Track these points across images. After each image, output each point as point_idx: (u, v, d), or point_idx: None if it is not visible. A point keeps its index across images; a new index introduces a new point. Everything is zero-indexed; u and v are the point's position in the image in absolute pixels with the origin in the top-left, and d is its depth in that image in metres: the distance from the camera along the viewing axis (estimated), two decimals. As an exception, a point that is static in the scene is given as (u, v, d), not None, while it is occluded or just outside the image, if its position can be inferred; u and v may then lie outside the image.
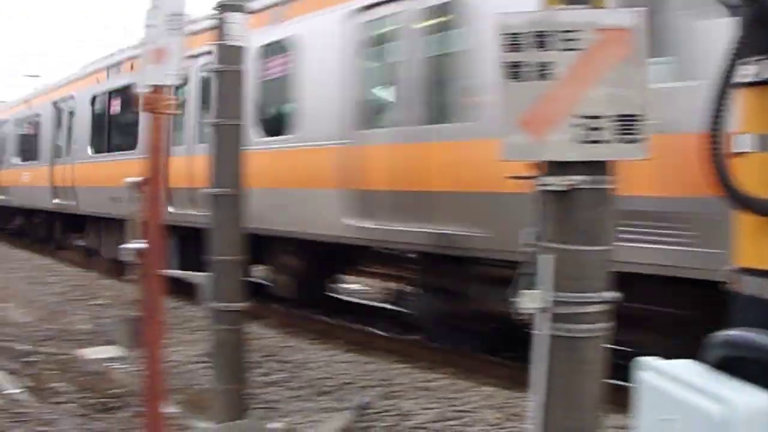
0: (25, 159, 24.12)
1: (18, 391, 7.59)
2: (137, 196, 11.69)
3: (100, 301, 14.50)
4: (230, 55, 6.24)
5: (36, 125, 23.04)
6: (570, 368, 3.91)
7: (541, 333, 3.88)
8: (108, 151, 17.91)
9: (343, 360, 9.50)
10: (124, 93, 16.54)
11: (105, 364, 9.53)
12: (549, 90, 3.71)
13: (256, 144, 10.52)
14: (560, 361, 3.91)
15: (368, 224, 9.35)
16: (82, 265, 19.26)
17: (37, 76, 42.10)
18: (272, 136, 11.55)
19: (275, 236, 11.64)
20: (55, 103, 21.57)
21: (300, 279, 12.21)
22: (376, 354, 10.45)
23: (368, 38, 9.90)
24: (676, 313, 7.11)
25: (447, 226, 8.56)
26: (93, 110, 18.78)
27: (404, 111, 9.35)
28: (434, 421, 7.44)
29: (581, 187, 3.73)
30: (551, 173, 3.80)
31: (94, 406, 7.73)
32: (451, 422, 7.42)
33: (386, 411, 7.84)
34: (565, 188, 3.73)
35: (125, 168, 14.07)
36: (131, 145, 15.66)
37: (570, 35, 3.70)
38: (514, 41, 3.74)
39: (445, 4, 8.91)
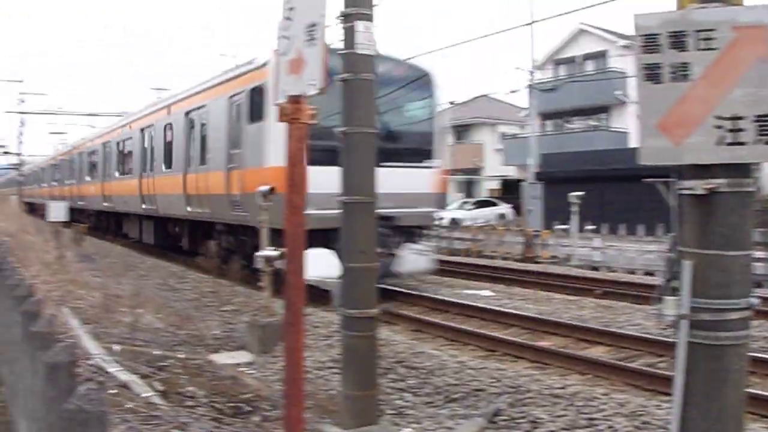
0: (91, 178, 36.31)
1: (151, 394, 7.75)
2: (266, 204, 12.05)
3: (230, 307, 14.81)
4: (359, 64, 6.21)
5: (96, 156, 35.14)
6: (711, 377, 3.80)
7: (682, 340, 3.79)
8: (122, 174, 29.17)
9: (473, 366, 9.43)
10: (125, 142, 29.13)
11: (236, 369, 9.71)
12: (687, 91, 3.62)
13: (161, 172, 22.94)
14: (701, 369, 3.80)
15: (191, 209, 20.17)
16: (212, 272, 19.79)
17: (165, 89, 45.67)
18: (168, 168, 22.35)
19: (170, 217, 23.10)
20: (103, 144, 33.21)
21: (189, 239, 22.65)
22: (506, 360, 10.38)
23: (189, 126, 20.71)
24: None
25: (202, 209, 19.39)
26: (117, 150, 30.32)
27: (194, 159, 20.16)
28: (565, 429, 7.31)
29: (722, 190, 3.63)
30: (690, 177, 3.71)
31: (226, 411, 7.85)
32: (583, 430, 7.29)
33: (517, 418, 7.77)
34: (705, 192, 3.63)
35: (128, 184, 27.45)
36: (130, 171, 27.67)
37: (707, 34, 3.61)
38: (651, 42, 3.68)
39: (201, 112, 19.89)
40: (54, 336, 3.53)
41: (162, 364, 9.24)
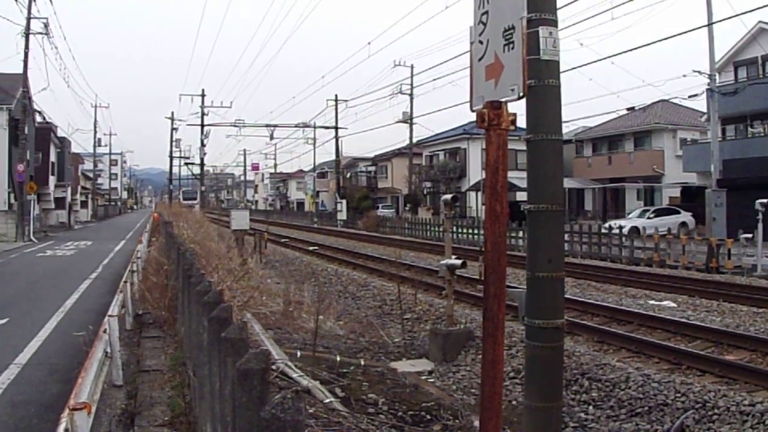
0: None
1: (332, 400, 7.88)
2: (449, 213, 12.08)
3: (411, 315, 14.93)
4: (544, 70, 6.07)
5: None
6: None
7: None
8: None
9: (658, 380, 9.13)
10: None
11: (417, 377, 9.78)
12: None
13: None
14: None
15: None
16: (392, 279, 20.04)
17: (344, 100, 46.58)
18: None
19: None
20: None
21: None
22: (692, 374, 10.02)
23: None
24: None
25: None
26: None
27: None
28: (756, 449, 7.03)
29: None
30: None
31: (407, 419, 7.90)
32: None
33: (704, 436, 7.51)
34: None
35: None
36: None
37: None
38: None
39: None
40: (245, 342, 3.62)
41: (343, 370, 9.41)
